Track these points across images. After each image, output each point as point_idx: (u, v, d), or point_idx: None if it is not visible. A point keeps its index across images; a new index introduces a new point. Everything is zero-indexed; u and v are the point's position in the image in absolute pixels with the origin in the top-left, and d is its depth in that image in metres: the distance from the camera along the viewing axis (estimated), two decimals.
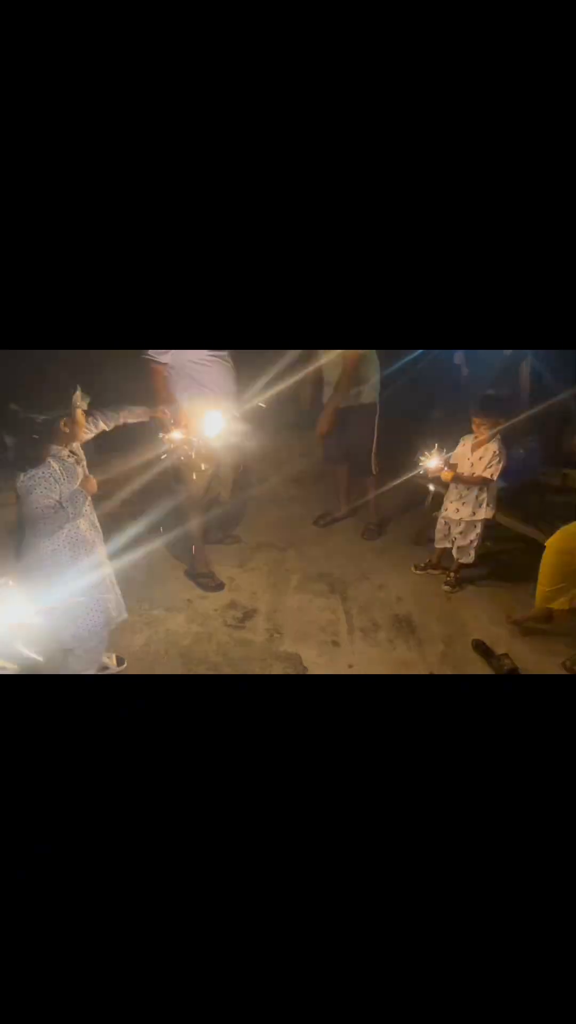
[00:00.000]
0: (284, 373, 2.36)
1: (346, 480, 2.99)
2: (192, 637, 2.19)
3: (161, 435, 1.89)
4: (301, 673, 2.03)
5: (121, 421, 1.76)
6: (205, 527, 2.49)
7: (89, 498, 1.60)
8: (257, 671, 2.02)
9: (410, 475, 2.47)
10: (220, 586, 2.48)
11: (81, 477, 1.56)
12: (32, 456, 1.45)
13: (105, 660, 1.88)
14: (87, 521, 1.59)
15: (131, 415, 1.80)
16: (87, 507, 1.59)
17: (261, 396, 2.18)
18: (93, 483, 1.59)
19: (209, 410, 2.01)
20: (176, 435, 1.89)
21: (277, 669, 2.04)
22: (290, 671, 2.03)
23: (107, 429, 1.73)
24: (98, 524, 1.67)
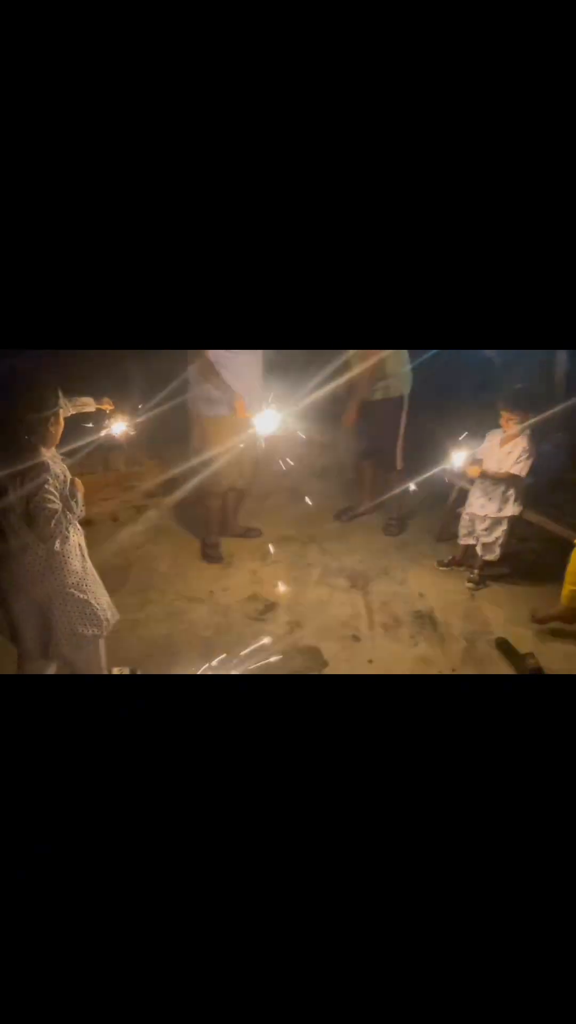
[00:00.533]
0: (312, 367, 2.36)
1: (371, 474, 2.97)
2: (214, 628, 2.21)
3: (91, 425, 1.80)
4: (318, 668, 2.04)
5: (70, 412, 1.67)
6: (223, 508, 2.61)
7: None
8: (276, 664, 2.03)
9: (436, 470, 2.44)
10: (220, 559, 2.62)
11: (69, 478, 1.51)
12: (26, 459, 1.38)
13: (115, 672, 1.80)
14: (73, 526, 1.52)
15: (76, 404, 1.70)
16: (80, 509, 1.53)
17: (293, 392, 2.19)
18: (79, 482, 1.53)
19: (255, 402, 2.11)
20: (117, 428, 1.81)
21: (297, 662, 2.05)
22: (310, 664, 2.04)
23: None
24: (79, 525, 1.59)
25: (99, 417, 1.80)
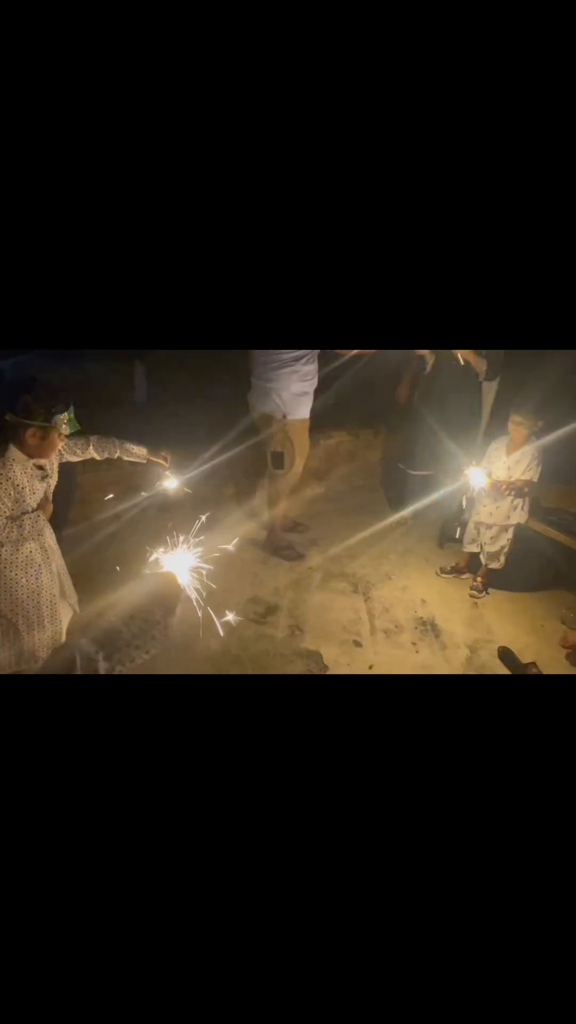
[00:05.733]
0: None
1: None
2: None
3: (157, 483, 1.83)
4: (321, 672, 2.01)
5: (116, 455, 1.66)
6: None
7: (46, 521, 1.47)
8: (277, 666, 2.01)
9: (458, 485, 2.44)
10: (301, 556, 2.61)
11: (41, 495, 1.44)
12: None
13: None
14: (38, 544, 1.45)
15: (129, 453, 1.69)
16: (44, 529, 1.46)
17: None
18: (49, 508, 1.47)
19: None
20: (170, 483, 1.81)
21: (298, 666, 2.02)
22: (312, 668, 2.02)
23: (98, 458, 1.65)
24: (54, 548, 1.52)
25: (155, 469, 1.79)
